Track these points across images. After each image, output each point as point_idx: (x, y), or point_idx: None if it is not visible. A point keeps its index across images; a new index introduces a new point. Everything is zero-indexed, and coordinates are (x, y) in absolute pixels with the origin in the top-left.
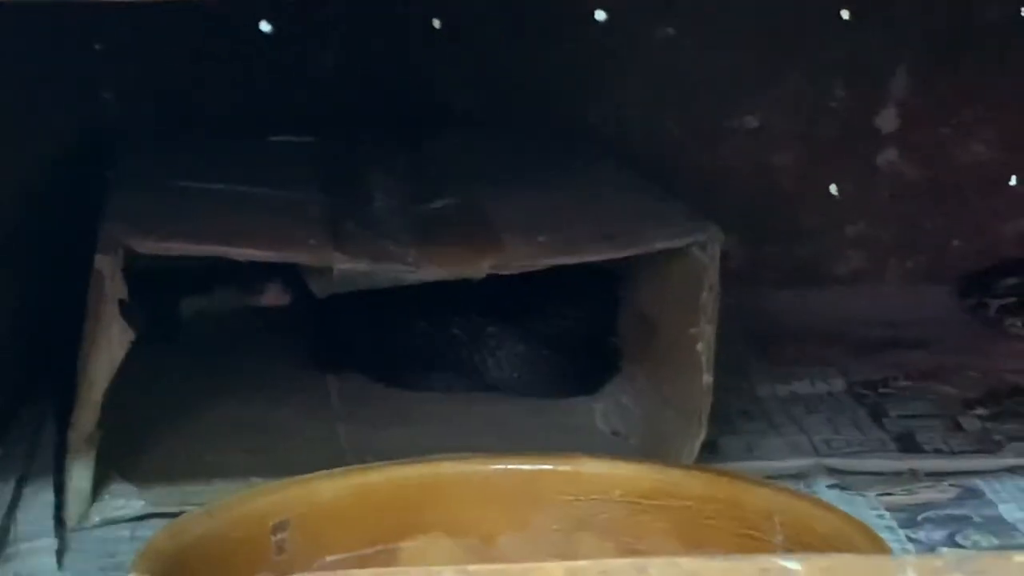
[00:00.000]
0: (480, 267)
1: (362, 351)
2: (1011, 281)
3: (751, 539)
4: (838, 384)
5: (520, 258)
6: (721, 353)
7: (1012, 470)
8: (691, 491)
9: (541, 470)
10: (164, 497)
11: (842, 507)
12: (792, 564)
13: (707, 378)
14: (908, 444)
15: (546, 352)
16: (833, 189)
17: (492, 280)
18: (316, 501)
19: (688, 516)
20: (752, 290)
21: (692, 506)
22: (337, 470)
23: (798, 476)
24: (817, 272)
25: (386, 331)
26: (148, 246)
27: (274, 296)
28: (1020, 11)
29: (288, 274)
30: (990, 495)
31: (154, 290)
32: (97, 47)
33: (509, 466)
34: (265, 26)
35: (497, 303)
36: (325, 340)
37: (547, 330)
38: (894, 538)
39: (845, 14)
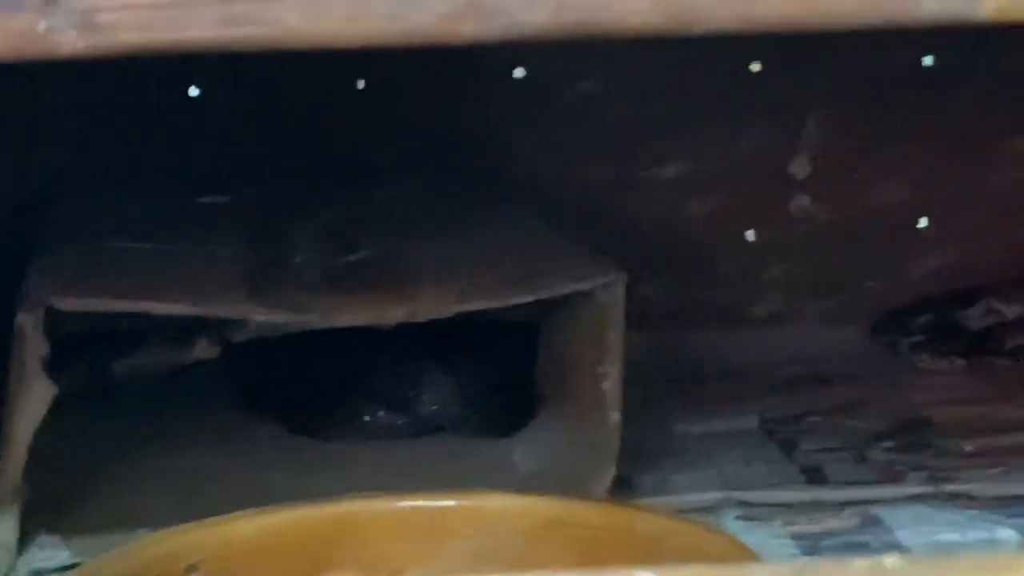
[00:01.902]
0: (393, 315)
1: (287, 400)
2: (922, 319)
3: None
4: (752, 421)
5: (431, 306)
6: (640, 393)
7: (913, 498)
8: (589, 520)
9: (447, 506)
10: (90, 546)
11: (747, 536)
12: (647, 574)
13: (615, 416)
14: (815, 476)
15: (473, 392)
16: (750, 235)
17: (421, 324)
18: (230, 541)
19: (587, 544)
20: (673, 333)
21: (591, 534)
22: (250, 510)
23: (708, 509)
24: (736, 314)
25: (312, 379)
26: (69, 303)
27: (203, 349)
28: (921, 61)
29: (216, 327)
30: (889, 522)
31: (85, 351)
32: (32, 108)
33: (417, 503)
34: (194, 90)
35: (426, 345)
36: (254, 390)
37: (472, 371)
38: None
39: (755, 66)
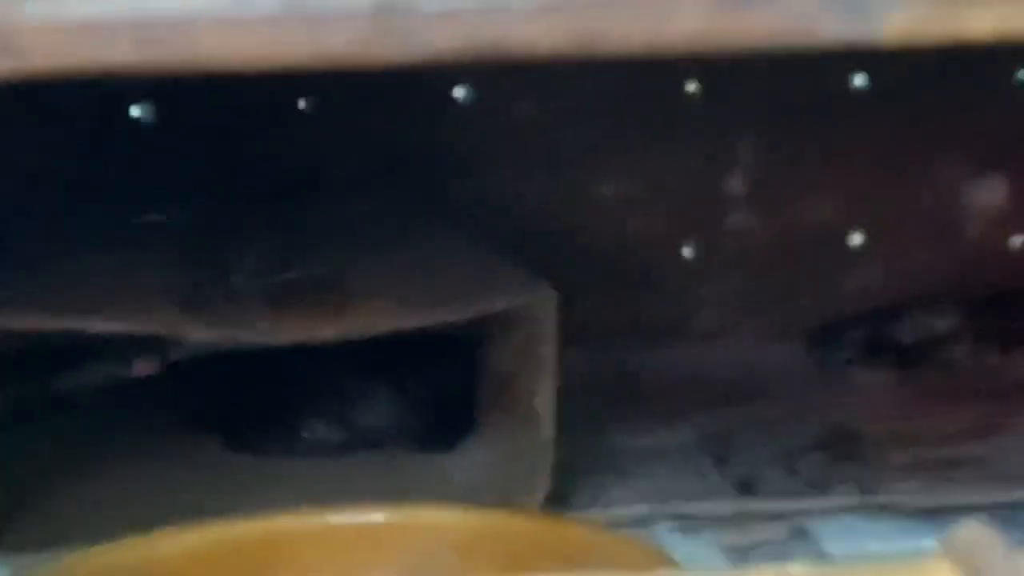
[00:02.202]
0: (327, 332)
1: (227, 417)
2: (855, 333)
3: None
4: (687, 434)
5: (365, 323)
6: (577, 409)
7: (841, 509)
8: (517, 533)
9: (378, 520)
10: (30, 564)
11: (679, 548)
12: None
13: (547, 431)
14: (746, 488)
15: (413, 407)
16: (686, 251)
17: (361, 340)
18: (158, 558)
19: (516, 557)
20: (612, 349)
21: (519, 548)
22: (178, 527)
23: (641, 522)
24: (673, 330)
25: (252, 395)
26: (5, 321)
27: (143, 366)
28: (854, 80)
29: (156, 344)
30: (817, 533)
31: (25, 368)
32: None
33: (347, 518)
34: (135, 110)
35: (367, 361)
36: (195, 407)
37: (412, 386)
38: None
39: (691, 86)
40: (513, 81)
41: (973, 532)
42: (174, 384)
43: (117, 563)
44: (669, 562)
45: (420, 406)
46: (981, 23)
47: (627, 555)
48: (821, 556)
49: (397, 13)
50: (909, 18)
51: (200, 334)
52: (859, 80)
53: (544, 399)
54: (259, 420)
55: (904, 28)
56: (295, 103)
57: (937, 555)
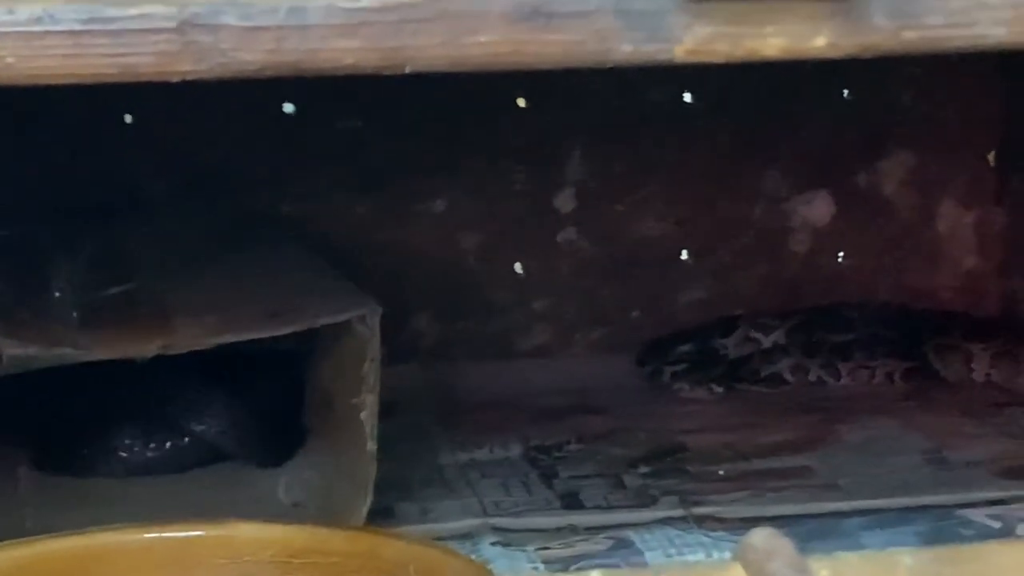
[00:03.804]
0: (148, 348)
1: (42, 437)
2: (684, 348)
3: None
4: (516, 450)
5: (187, 339)
6: (409, 424)
7: (663, 521)
8: (336, 548)
9: (195, 536)
10: None
11: (501, 561)
12: None
13: (371, 445)
14: (572, 502)
15: (241, 422)
16: (518, 267)
17: (186, 356)
18: None
19: (334, 571)
20: (443, 365)
21: (338, 562)
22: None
23: (466, 536)
24: (505, 346)
25: (67, 414)
26: None
27: None
28: (683, 95)
29: None
30: (639, 544)
31: None
32: None
33: (164, 534)
34: None
35: (192, 378)
36: (8, 426)
37: (240, 401)
38: None
39: (521, 102)
40: (339, 96)
41: (765, 539)
42: None
43: None
44: (485, 572)
45: (247, 421)
46: (771, 43)
47: (446, 567)
48: (644, 567)
49: (201, 29)
50: (701, 38)
51: (16, 351)
52: (687, 96)
53: (369, 414)
54: (74, 440)
55: (695, 48)
56: (121, 117)
57: (731, 561)
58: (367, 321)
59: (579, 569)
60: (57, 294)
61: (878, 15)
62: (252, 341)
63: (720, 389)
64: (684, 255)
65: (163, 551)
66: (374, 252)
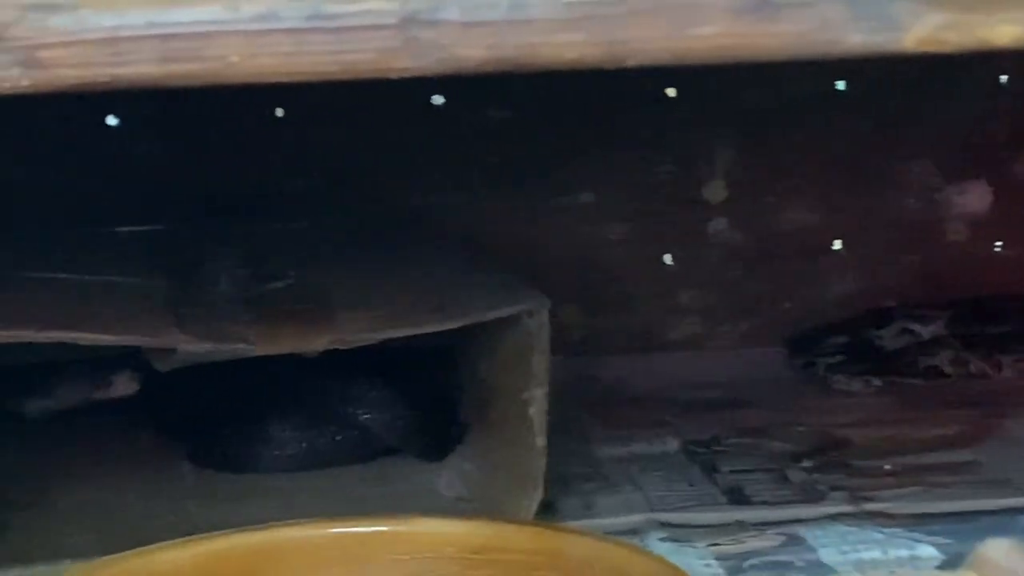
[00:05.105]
0: (318, 342)
1: (198, 435)
2: (838, 340)
3: None
4: (672, 443)
5: (356, 332)
6: (561, 418)
7: (833, 517)
8: (518, 544)
9: (376, 531)
10: None
11: (672, 558)
12: None
13: (540, 440)
14: (737, 497)
15: (401, 418)
16: (668, 259)
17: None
18: (157, 571)
19: (517, 568)
20: (591, 358)
21: (520, 559)
22: (178, 540)
23: (633, 531)
24: (653, 338)
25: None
26: None
27: (123, 386)
28: (833, 83)
29: (134, 363)
30: (811, 541)
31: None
32: None
33: (346, 528)
34: (111, 120)
35: (344, 373)
36: (167, 424)
37: (398, 398)
38: None
39: (671, 91)
40: (483, 88)
41: (999, 549)
42: (147, 398)
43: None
44: (680, 573)
45: (412, 414)
46: (1003, 31)
47: (636, 567)
48: (817, 565)
49: (423, 24)
50: (932, 27)
51: (191, 346)
52: (840, 84)
53: (538, 408)
54: (233, 435)
55: (926, 38)
56: (272, 112)
57: (964, 570)
58: (535, 315)
59: (752, 568)
60: (219, 288)
61: None
62: (408, 336)
63: (878, 382)
64: (836, 244)
65: (343, 546)
66: (519, 245)
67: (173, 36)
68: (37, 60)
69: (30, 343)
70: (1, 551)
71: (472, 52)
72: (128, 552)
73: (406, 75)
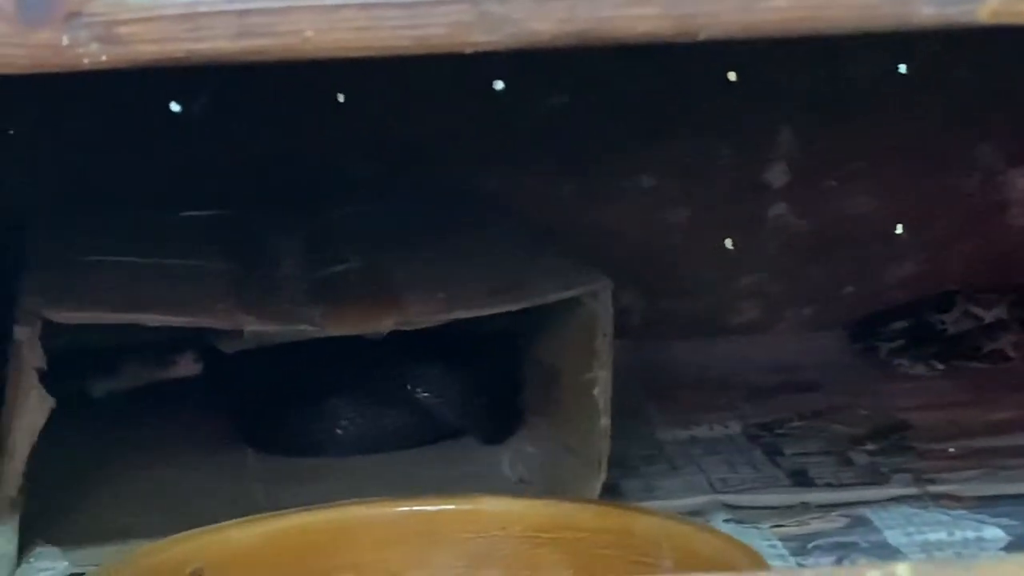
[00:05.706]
0: (384, 324)
1: (260, 418)
2: (899, 324)
3: (642, 564)
4: (735, 427)
5: (421, 314)
6: (622, 402)
7: (897, 499)
8: (584, 523)
9: (442, 510)
10: (87, 557)
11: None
12: None
13: (605, 421)
14: (801, 479)
15: (463, 400)
16: (728, 243)
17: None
18: (229, 548)
19: (583, 547)
20: (652, 342)
21: (586, 537)
22: (249, 518)
23: (696, 513)
24: (713, 323)
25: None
26: (63, 316)
27: (186, 367)
28: (896, 65)
29: (197, 344)
30: (877, 523)
31: (62, 373)
32: (11, 124)
33: (412, 507)
34: (175, 106)
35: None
36: (231, 405)
37: (460, 380)
38: (785, 564)
39: (732, 75)
40: (545, 72)
41: None
42: (209, 380)
43: (188, 554)
44: (749, 552)
45: (475, 396)
46: None
47: (704, 544)
48: (883, 546)
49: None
50: None
51: (257, 327)
52: (902, 67)
53: (602, 389)
54: (295, 417)
55: (1000, 9)
56: (333, 96)
57: None
58: (599, 297)
59: (816, 549)
60: (283, 271)
61: None
62: (471, 319)
63: (941, 365)
64: (898, 229)
65: (411, 525)
66: (579, 229)
67: (249, 11)
68: (115, 36)
69: (95, 324)
70: (71, 531)
71: (545, 26)
72: (200, 529)
73: (479, 49)
